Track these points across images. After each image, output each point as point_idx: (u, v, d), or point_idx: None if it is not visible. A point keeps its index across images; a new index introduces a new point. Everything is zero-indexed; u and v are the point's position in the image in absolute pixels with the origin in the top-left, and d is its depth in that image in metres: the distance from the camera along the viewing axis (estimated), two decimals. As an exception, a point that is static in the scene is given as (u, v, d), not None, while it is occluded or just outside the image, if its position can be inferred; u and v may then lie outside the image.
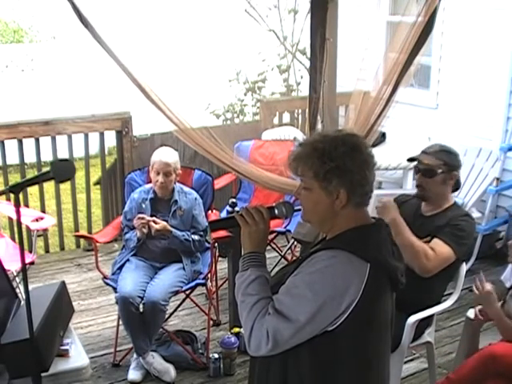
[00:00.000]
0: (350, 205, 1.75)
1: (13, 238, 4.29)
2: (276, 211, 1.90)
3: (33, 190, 5.34)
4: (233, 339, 3.49)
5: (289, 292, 1.72)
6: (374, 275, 1.69)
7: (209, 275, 3.71)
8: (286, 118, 6.16)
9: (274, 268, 3.99)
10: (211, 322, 3.79)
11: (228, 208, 3.74)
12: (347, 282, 1.67)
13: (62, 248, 5.23)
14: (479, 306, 2.99)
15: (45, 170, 2.03)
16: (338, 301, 1.66)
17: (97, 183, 5.91)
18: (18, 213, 1.99)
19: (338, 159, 1.72)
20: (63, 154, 4.83)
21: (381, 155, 4.93)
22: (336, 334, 1.69)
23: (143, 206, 3.61)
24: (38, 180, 2.05)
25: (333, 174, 1.72)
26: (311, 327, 1.68)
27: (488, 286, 2.78)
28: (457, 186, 2.95)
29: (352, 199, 1.75)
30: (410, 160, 2.99)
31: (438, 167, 2.85)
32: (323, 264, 1.70)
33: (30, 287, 2.07)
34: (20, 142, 4.72)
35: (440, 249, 2.75)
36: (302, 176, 1.80)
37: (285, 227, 4.16)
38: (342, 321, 1.67)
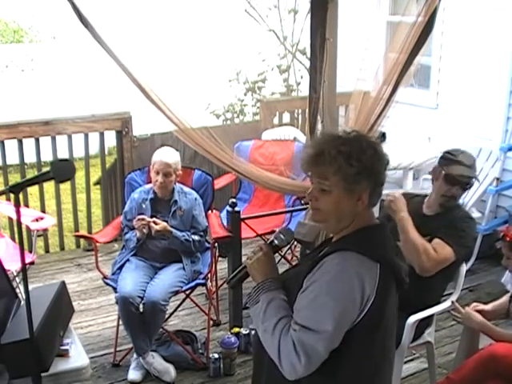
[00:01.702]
0: (369, 205, 1.79)
1: (13, 238, 4.29)
2: (276, 242, 1.93)
3: (33, 190, 5.34)
4: (233, 339, 3.49)
5: (309, 305, 1.70)
6: (383, 275, 1.70)
7: (209, 275, 3.71)
8: (286, 118, 6.16)
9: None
10: (211, 322, 3.79)
11: (228, 208, 3.74)
12: (362, 282, 1.67)
13: (62, 248, 5.23)
14: (473, 304, 3.00)
15: (45, 170, 2.03)
16: (358, 302, 1.67)
17: (97, 183, 5.91)
18: (18, 213, 1.99)
19: (366, 162, 1.75)
20: (63, 154, 4.83)
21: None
22: (351, 335, 1.69)
23: (143, 206, 3.61)
24: (38, 180, 2.05)
25: (362, 177, 1.74)
26: (339, 333, 1.68)
27: (461, 309, 2.86)
28: None
29: (371, 199, 1.79)
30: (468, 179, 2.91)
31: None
32: (337, 269, 1.70)
33: (30, 287, 2.06)
34: (20, 142, 4.71)
35: (441, 249, 2.75)
36: (323, 179, 1.78)
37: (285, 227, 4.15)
38: (359, 320, 1.68)
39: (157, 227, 3.45)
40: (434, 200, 2.94)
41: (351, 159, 1.74)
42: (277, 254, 4.29)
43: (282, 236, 1.93)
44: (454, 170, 2.86)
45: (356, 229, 1.78)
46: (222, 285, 4.18)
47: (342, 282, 1.68)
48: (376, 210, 3.31)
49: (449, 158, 2.91)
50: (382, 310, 1.72)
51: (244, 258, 3.92)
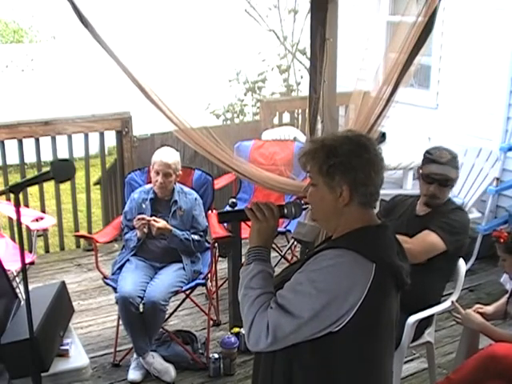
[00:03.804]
0: (353, 203, 1.76)
1: (13, 238, 4.29)
2: (285, 211, 1.91)
3: (33, 190, 5.35)
4: (233, 339, 3.49)
5: (293, 288, 1.71)
6: (379, 276, 1.68)
7: (209, 275, 3.71)
8: (286, 118, 6.16)
9: (274, 268, 3.97)
10: (211, 322, 3.79)
11: (228, 208, 3.74)
12: (352, 281, 1.66)
13: (62, 248, 5.23)
14: (475, 306, 3.01)
15: (45, 170, 2.03)
16: (342, 300, 1.66)
17: (97, 183, 5.91)
18: (18, 213, 1.99)
19: (342, 155, 1.74)
20: (63, 154, 4.83)
21: (381, 155, 4.93)
22: (341, 335, 1.68)
23: (143, 206, 3.61)
24: (37, 180, 2.05)
25: (336, 170, 1.73)
26: (313, 325, 1.67)
27: (461, 310, 2.88)
28: None
29: (355, 197, 1.75)
30: (441, 176, 2.90)
31: (456, 176, 2.88)
32: (329, 263, 1.69)
33: (30, 287, 2.07)
34: (20, 142, 4.71)
35: (423, 235, 2.79)
36: (310, 172, 1.81)
37: (285, 227, 4.16)
38: (347, 321, 1.67)
39: (157, 225, 3.45)
40: (421, 200, 2.99)
41: (330, 152, 1.75)
42: (277, 254, 4.34)
43: (292, 209, 1.91)
44: (426, 169, 2.91)
45: (354, 228, 1.77)
46: (221, 285, 4.18)
47: (331, 277, 1.67)
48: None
49: (425, 157, 2.95)
50: (377, 309, 1.72)
51: (244, 258, 3.94)
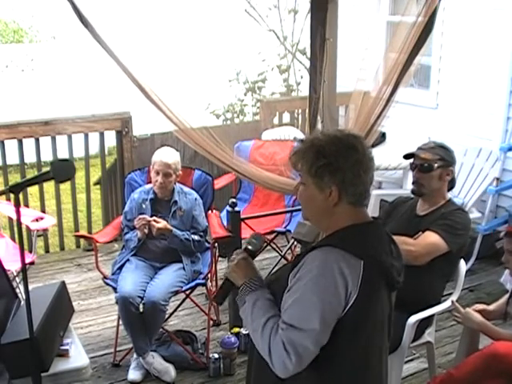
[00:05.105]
0: (342, 203, 1.76)
1: (13, 238, 4.29)
2: (250, 247, 1.98)
3: (33, 190, 5.35)
4: (233, 339, 3.49)
5: (295, 304, 1.70)
6: (368, 273, 1.69)
7: (209, 275, 3.71)
8: (286, 118, 6.17)
9: (273, 268, 3.98)
10: (211, 322, 3.79)
11: (228, 208, 3.74)
12: (344, 276, 1.67)
13: (62, 248, 5.23)
14: (476, 306, 3.00)
15: (45, 170, 2.03)
16: (342, 296, 1.67)
17: (97, 183, 5.91)
18: (18, 213, 1.99)
19: (330, 156, 1.75)
20: (63, 154, 4.84)
21: (381, 155, 4.93)
22: (334, 331, 1.69)
23: (143, 206, 3.61)
24: (37, 180, 2.05)
25: (324, 170, 1.74)
26: (326, 329, 1.68)
27: (461, 309, 2.87)
28: (452, 184, 2.97)
29: (344, 197, 1.76)
30: (407, 157, 3.01)
31: (435, 162, 2.87)
32: (318, 265, 1.70)
33: (30, 287, 2.07)
34: (20, 142, 4.72)
35: (425, 236, 2.78)
36: (300, 171, 1.82)
37: (285, 227, 4.16)
38: (342, 316, 1.68)
39: (158, 225, 3.45)
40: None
41: (319, 153, 1.76)
42: (277, 254, 4.34)
43: (254, 240, 1.99)
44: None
45: (342, 226, 1.77)
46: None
47: (325, 278, 1.67)
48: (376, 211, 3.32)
49: None
50: (367, 307, 1.72)
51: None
